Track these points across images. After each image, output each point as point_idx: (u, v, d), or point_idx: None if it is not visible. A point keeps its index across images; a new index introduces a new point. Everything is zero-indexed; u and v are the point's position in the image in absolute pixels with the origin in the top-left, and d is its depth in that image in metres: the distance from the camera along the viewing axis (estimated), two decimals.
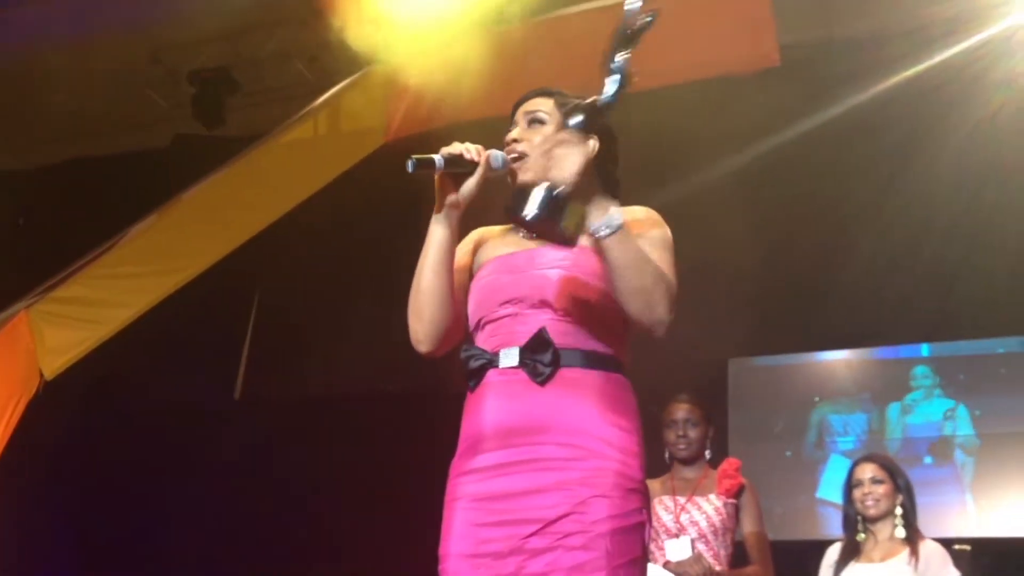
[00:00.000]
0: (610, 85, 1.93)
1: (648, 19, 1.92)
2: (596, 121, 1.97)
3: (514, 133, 2.21)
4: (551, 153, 1.92)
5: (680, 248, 2.14)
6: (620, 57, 1.93)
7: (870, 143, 5.45)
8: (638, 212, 2.19)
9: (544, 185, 1.90)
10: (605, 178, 2.21)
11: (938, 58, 4.99)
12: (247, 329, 6.64)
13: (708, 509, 3.79)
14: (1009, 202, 5.37)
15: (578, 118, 1.96)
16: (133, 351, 5.61)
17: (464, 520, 2.00)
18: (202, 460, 6.20)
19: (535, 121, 2.20)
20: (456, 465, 2.07)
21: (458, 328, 2.15)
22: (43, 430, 5.27)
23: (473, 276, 2.20)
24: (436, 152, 2.05)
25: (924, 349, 6.27)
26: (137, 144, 6.35)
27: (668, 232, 2.19)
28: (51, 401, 5.22)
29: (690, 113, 4.92)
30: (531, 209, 1.89)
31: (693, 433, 3.92)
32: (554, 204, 1.88)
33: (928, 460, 6.05)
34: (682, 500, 3.83)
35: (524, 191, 1.93)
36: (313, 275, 6.25)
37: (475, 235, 2.27)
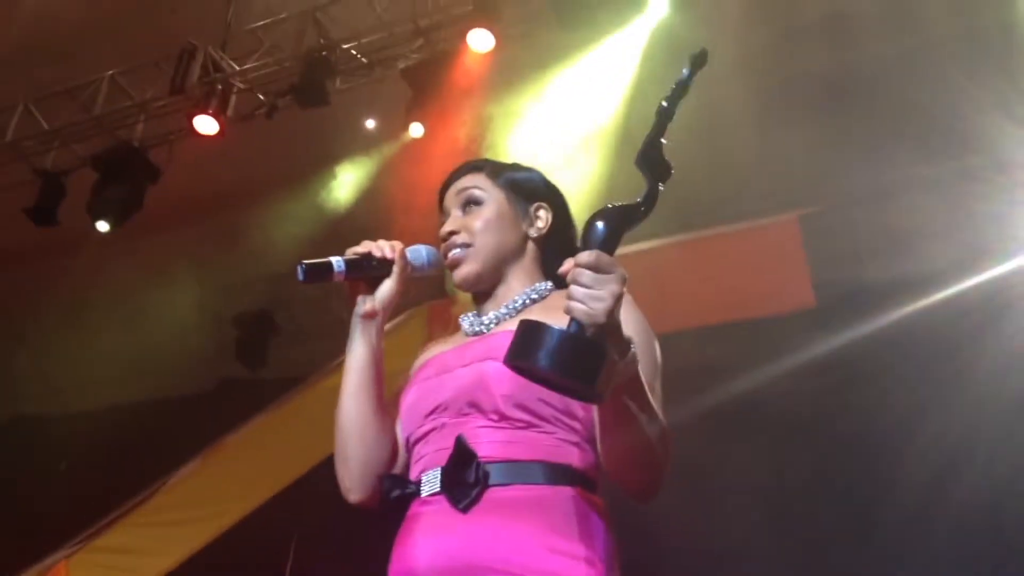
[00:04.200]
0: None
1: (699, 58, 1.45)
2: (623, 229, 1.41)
3: (449, 224, 1.83)
4: (613, 303, 1.35)
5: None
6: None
7: (904, 364, 5.44)
8: None
9: (573, 330, 1.35)
10: (554, 256, 1.80)
11: (969, 283, 5.04)
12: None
13: None
14: None
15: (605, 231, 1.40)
16: None
17: None
18: None
19: (471, 202, 1.84)
20: None
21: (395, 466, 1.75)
22: None
23: None
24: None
25: None
26: (182, 388, 6.44)
27: (646, 321, 1.69)
28: None
29: (734, 345, 4.91)
30: (547, 361, 1.32)
31: None
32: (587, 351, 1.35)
33: None
34: None
35: (535, 332, 1.34)
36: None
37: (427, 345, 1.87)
